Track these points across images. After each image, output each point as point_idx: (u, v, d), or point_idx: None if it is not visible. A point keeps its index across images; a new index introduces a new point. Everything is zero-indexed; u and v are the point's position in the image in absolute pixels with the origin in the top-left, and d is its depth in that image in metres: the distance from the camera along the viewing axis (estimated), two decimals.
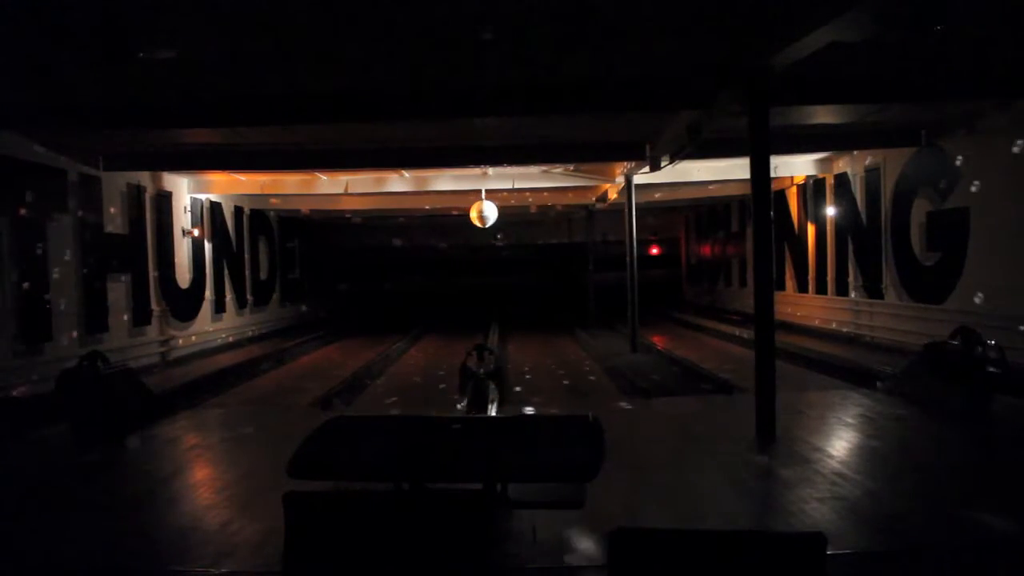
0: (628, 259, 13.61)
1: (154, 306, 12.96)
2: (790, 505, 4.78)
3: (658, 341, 15.04)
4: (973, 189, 10.12)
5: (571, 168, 14.44)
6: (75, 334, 10.61)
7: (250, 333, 17.35)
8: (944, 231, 10.85)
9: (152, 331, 12.92)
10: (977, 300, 10.05)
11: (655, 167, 11.45)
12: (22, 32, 5.92)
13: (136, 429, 7.47)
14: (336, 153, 11.41)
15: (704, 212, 23.32)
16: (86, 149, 10.87)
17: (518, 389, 10.33)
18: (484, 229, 16.64)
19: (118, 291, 11.92)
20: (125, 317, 12.07)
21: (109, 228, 11.64)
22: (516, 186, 14.93)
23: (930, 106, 9.58)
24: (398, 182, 14.77)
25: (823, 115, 10.03)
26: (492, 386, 7.59)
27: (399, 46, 6.58)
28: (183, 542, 4.37)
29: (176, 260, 13.80)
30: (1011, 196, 9.36)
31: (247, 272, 17.57)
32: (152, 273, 12.95)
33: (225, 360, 13.24)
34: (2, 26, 5.75)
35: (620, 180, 13.78)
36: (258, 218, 18.37)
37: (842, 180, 13.93)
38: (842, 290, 14.22)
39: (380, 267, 27.23)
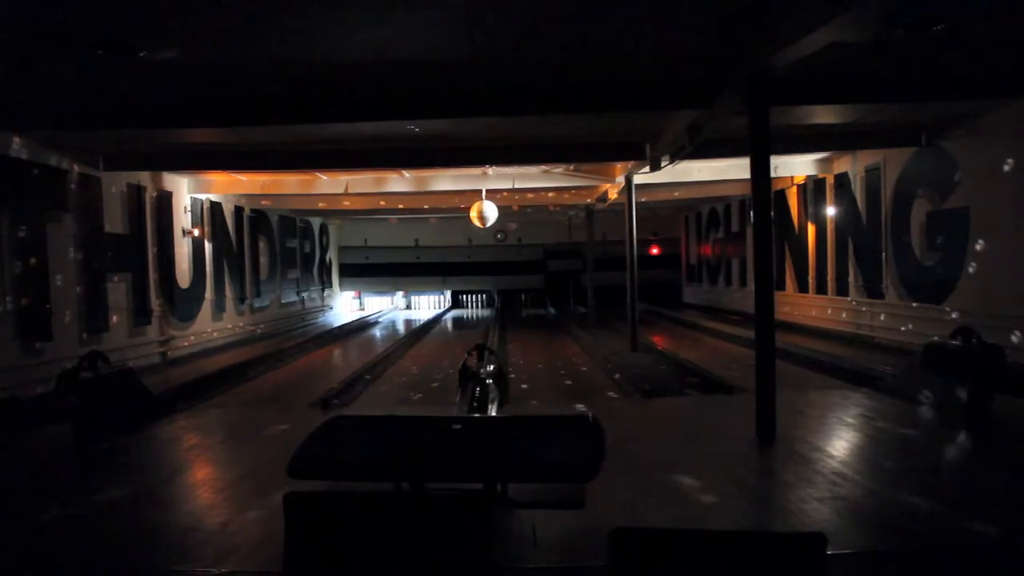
0: (628, 259, 13.61)
1: (154, 306, 12.96)
2: (790, 505, 4.78)
3: (658, 341, 15.04)
4: (973, 188, 10.13)
5: (571, 168, 14.45)
6: (75, 334, 10.62)
7: (251, 333, 17.36)
8: (944, 231, 10.85)
9: (152, 331, 12.93)
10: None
11: (655, 167, 11.44)
12: (22, 32, 5.93)
13: (136, 429, 7.48)
14: (336, 153, 11.41)
15: (704, 212, 23.34)
16: (86, 149, 10.87)
17: (519, 388, 10.33)
18: (484, 229, 16.66)
19: (118, 291, 11.92)
20: (125, 317, 12.08)
21: (109, 228, 11.65)
22: (516, 186, 14.95)
23: (930, 106, 9.58)
24: (398, 182, 14.78)
25: (823, 115, 10.03)
26: (492, 386, 7.59)
27: (398, 45, 6.58)
28: (183, 542, 4.37)
29: (176, 260, 13.81)
30: (1011, 196, 9.36)
31: (247, 272, 17.57)
32: (152, 273, 12.95)
33: (225, 360, 13.23)
34: (2, 26, 5.76)
35: (620, 180, 13.78)
36: (258, 218, 18.37)
37: (842, 180, 13.93)
38: (842, 290, 14.23)
39: (381, 268, 27.24)
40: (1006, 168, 9.45)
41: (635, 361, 12.31)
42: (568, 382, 11.11)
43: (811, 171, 14.53)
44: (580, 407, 8.69)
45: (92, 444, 6.91)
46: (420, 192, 15.48)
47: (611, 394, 9.92)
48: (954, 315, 10.30)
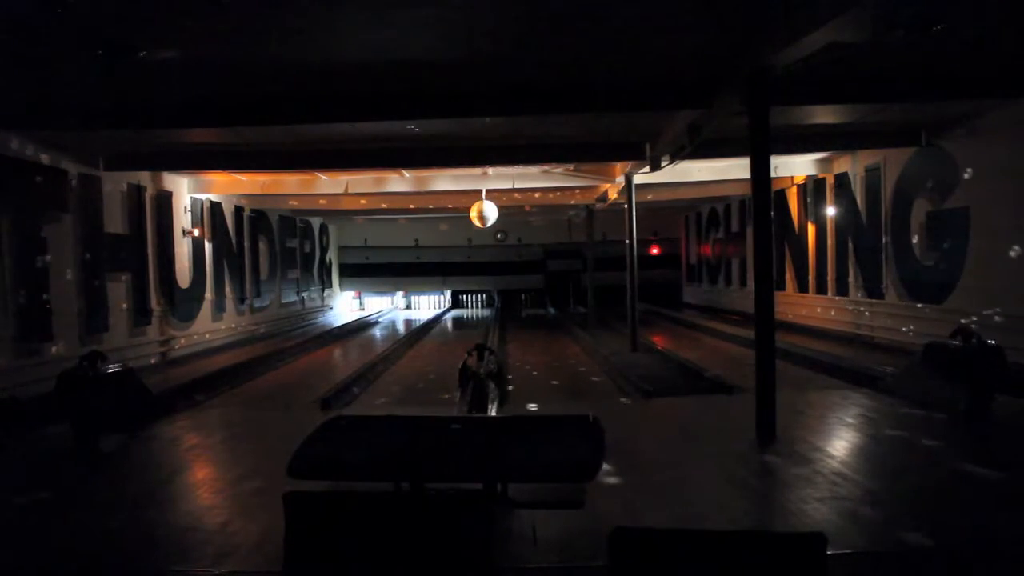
0: (628, 259, 13.61)
1: (154, 306, 12.96)
2: (790, 505, 4.79)
3: (658, 341, 15.03)
4: (973, 188, 10.13)
5: (571, 168, 14.45)
6: (75, 334, 10.61)
7: (251, 333, 17.36)
8: (944, 231, 10.86)
9: (152, 331, 12.93)
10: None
11: (655, 167, 11.44)
12: (22, 31, 5.93)
13: (136, 429, 7.48)
14: (336, 153, 11.41)
15: (704, 212, 23.35)
16: (86, 149, 10.87)
17: (519, 388, 10.32)
18: (484, 229, 16.67)
19: (118, 291, 11.92)
20: (125, 317, 12.08)
21: (109, 228, 11.65)
22: (516, 186, 14.95)
23: (930, 106, 9.58)
24: (398, 182, 14.79)
25: (823, 115, 10.03)
26: (492, 386, 7.59)
27: (398, 45, 6.58)
28: (183, 542, 4.37)
29: (176, 260, 13.81)
30: (1011, 196, 9.36)
31: (247, 272, 17.58)
32: (152, 273, 12.96)
33: (225, 360, 13.23)
34: (2, 26, 5.76)
35: (620, 180, 13.78)
36: (258, 218, 18.38)
37: (842, 180, 13.93)
38: (842, 290, 14.23)
39: (381, 269, 27.25)
40: (1006, 168, 9.45)
41: (635, 361, 12.30)
42: (567, 381, 11.11)
43: (811, 171, 14.53)
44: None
45: (92, 444, 6.91)
46: (420, 192, 15.49)
47: (611, 394, 9.92)
48: (954, 315, 10.28)
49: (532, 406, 8.58)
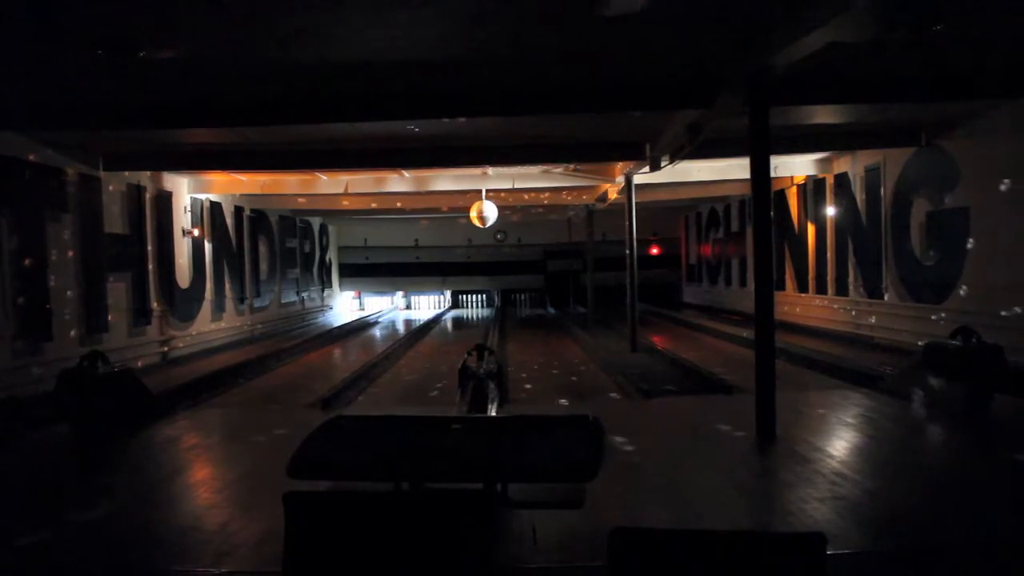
0: (628, 259, 13.62)
1: (154, 306, 12.96)
2: (790, 505, 4.78)
3: (658, 341, 15.03)
4: (973, 188, 10.13)
5: (571, 168, 14.45)
6: (75, 334, 10.61)
7: (250, 333, 17.35)
8: (944, 231, 10.86)
9: (152, 331, 12.93)
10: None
11: (655, 167, 11.45)
12: (22, 31, 5.93)
13: (136, 429, 7.48)
14: (336, 153, 11.41)
15: (704, 212, 23.35)
16: (86, 149, 10.87)
17: (519, 388, 10.32)
18: (484, 229, 16.67)
19: (118, 291, 11.92)
20: (125, 317, 12.08)
21: (109, 228, 11.65)
22: (516, 186, 14.96)
23: (930, 106, 9.58)
24: (398, 182, 14.79)
25: (823, 115, 10.03)
26: (492, 386, 7.60)
27: (398, 45, 6.57)
28: (183, 542, 4.37)
29: (176, 260, 13.81)
30: (1011, 196, 9.36)
31: (247, 272, 17.58)
32: (152, 273, 12.96)
33: (225, 360, 13.23)
34: (2, 25, 5.76)
35: (620, 180, 13.78)
36: (258, 218, 18.38)
37: (842, 180, 13.94)
38: (842, 290, 14.23)
39: (381, 269, 27.25)
40: (1006, 168, 9.45)
41: (635, 361, 12.31)
42: (567, 381, 11.11)
43: (811, 171, 14.53)
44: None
45: (92, 444, 6.92)
46: (420, 192, 15.49)
47: (611, 394, 9.91)
48: (954, 315, 10.29)
49: (532, 406, 8.58)
